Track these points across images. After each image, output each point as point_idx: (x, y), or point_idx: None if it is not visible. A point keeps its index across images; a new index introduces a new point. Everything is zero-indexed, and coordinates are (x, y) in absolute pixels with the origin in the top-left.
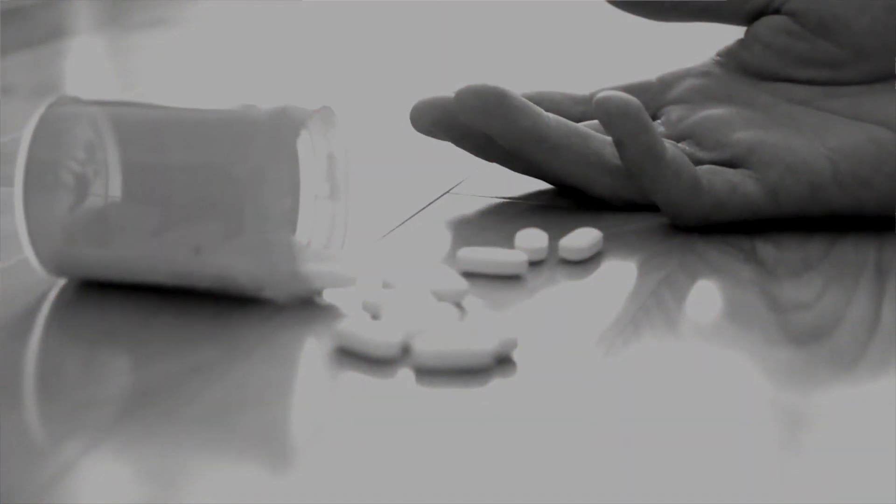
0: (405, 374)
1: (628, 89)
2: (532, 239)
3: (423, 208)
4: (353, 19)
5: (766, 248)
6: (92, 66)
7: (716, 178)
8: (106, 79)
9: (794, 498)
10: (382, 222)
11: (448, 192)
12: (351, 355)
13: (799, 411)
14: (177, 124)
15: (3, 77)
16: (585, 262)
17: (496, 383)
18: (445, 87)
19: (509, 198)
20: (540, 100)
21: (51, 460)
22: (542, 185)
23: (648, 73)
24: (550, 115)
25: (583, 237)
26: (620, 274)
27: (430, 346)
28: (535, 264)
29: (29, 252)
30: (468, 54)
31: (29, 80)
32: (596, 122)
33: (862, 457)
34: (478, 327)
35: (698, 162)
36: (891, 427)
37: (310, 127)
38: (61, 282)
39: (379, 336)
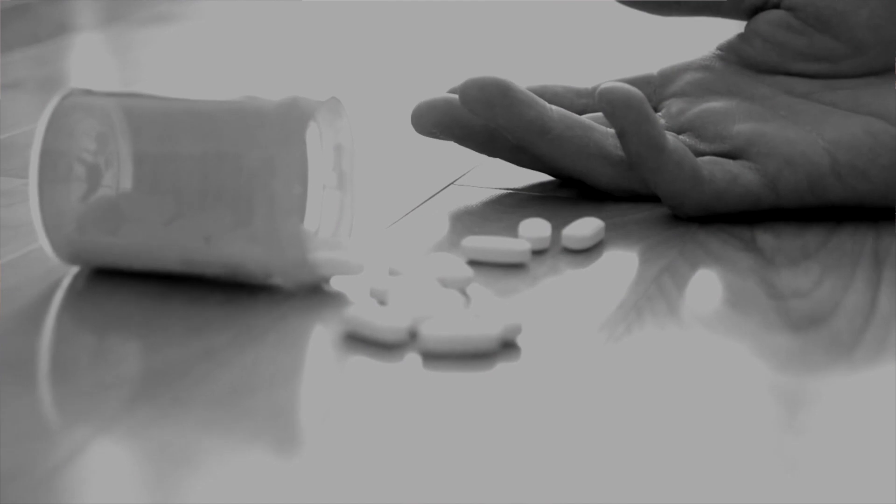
0: (412, 359)
1: (630, 83)
2: (535, 228)
3: (428, 199)
4: (356, 16)
5: (765, 238)
6: (97, 62)
7: (716, 169)
8: (111, 74)
9: (793, 476)
10: (388, 212)
11: (453, 183)
12: (359, 340)
13: (797, 394)
14: (187, 115)
15: (11, 72)
16: (588, 251)
17: (501, 367)
18: (450, 81)
19: (513, 189)
20: (543, 93)
21: (64, 441)
22: (545, 177)
23: (650, 66)
24: (554, 107)
25: (585, 226)
26: (622, 262)
27: (436, 331)
28: (538, 253)
29: (43, 240)
30: (472, 49)
31: (35, 75)
32: (598, 114)
33: (858, 438)
34: (483, 313)
35: (699, 154)
36: (886, 410)
37: (317, 118)
38: (74, 269)
39: (386, 321)
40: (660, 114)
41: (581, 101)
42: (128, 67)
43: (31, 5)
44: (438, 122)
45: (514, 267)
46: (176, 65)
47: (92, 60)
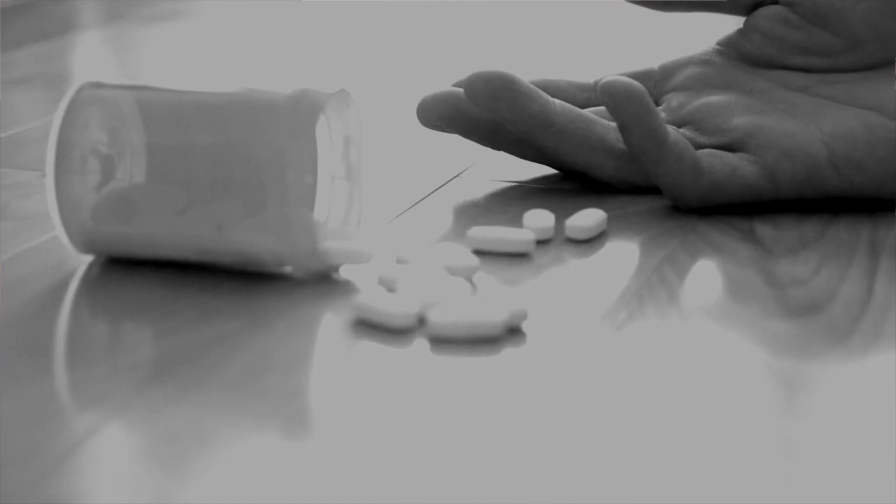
0: (420, 344)
1: (631, 77)
2: (539, 219)
3: (434, 191)
4: (362, 13)
5: (764, 228)
6: (102, 59)
7: (716, 161)
8: (115, 71)
9: (792, 459)
10: (395, 203)
11: (458, 175)
12: (368, 326)
13: (795, 380)
14: (199, 107)
15: (17, 69)
16: (591, 241)
17: (507, 353)
18: (455, 75)
19: (517, 181)
20: (546, 87)
21: (78, 424)
22: (549, 170)
23: (651, 61)
24: (556, 100)
25: (588, 217)
26: (624, 252)
27: (444, 317)
28: (542, 243)
29: (59, 230)
30: (477, 44)
31: (41, 72)
32: (601, 108)
33: (855, 422)
34: (489, 299)
35: (699, 146)
36: (882, 394)
37: (327, 110)
38: (88, 258)
39: (396, 307)
40: (660, 107)
41: (583, 95)
42: (132, 65)
43: (36, 3)
44: (444, 114)
45: (518, 256)
46: (181, 62)
47: (97, 58)
